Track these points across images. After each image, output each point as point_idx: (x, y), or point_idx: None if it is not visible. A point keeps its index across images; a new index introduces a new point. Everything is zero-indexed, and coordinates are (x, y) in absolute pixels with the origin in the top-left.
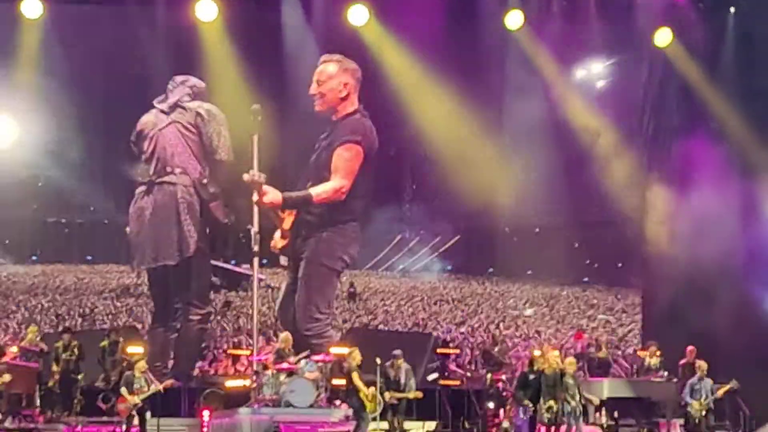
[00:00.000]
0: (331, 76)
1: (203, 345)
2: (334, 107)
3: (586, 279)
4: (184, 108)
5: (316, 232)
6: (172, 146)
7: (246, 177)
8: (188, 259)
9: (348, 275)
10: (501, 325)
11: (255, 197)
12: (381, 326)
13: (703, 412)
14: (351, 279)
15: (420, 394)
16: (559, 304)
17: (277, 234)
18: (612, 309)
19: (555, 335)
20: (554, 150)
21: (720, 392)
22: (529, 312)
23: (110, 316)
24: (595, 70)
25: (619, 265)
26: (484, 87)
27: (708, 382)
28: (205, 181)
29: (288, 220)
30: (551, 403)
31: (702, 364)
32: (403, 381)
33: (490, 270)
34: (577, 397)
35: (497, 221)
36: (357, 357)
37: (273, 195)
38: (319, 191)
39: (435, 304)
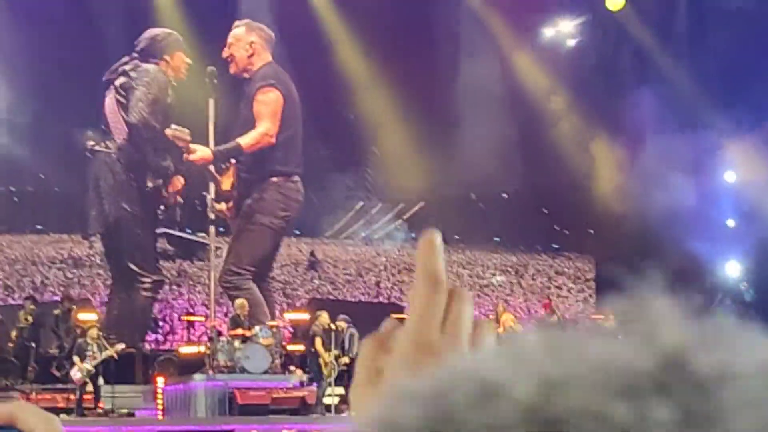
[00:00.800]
0: (238, 38)
1: (155, 316)
2: (244, 67)
3: (555, 246)
4: (125, 71)
5: (255, 191)
6: (109, 112)
7: (168, 132)
8: (115, 226)
9: (310, 243)
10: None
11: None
12: (343, 296)
13: None
14: (311, 247)
15: (348, 360)
16: (527, 272)
17: (211, 195)
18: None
19: (525, 304)
20: (511, 113)
21: None
22: (497, 280)
23: (62, 288)
24: (555, 32)
25: (591, 231)
26: (438, 52)
27: None
28: (122, 146)
29: (226, 181)
30: None
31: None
32: (347, 346)
33: (456, 237)
34: None
35: (462, 187)
36: (324, 321)
37: (202, 151)
38: (247, 140)
39: (399, 273)
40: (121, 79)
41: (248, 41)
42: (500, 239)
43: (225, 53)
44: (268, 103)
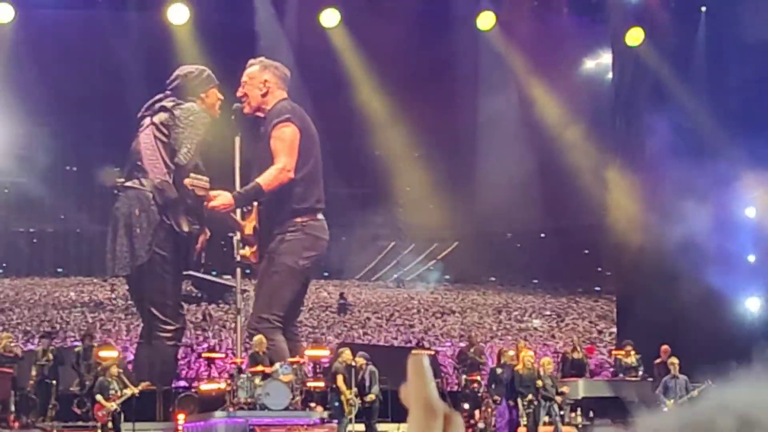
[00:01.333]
0: (252, 77)
1: (179, 359)
2: (258, 106)
3: (597, 288)
4: (165, 107)
5: (278, 232)
6: (144, 149)
7: (186, 182)
8: (142, 269)
9: (339, 285)
10: (504, 339)
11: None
12: (375, 340)
13: None
14: (341, 290)
15: (373, 397)
16: (568, 316)
17: (236, 240)
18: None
19: (564, 349)
20: (532, 148)
21: (695, 392)
22: (536, 323)
23: (82, 333)
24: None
25: (608, 273)
26: (458, 87)
27: (682, 379)
28: (161, 185)
29: (249, 225)
30: (527, 403)
31: (674, 361)
32: (367, 384)
33: (492, 279)
34: (554, 397)
35: (495, 225)
36: (347, 357)
37: (222, 198)
38: (266, 178)
39: (432, 315)
40: (162, 116)
41: (262, 80)
42: (538, 281)
43: (239, 92)
44: (284, 139)
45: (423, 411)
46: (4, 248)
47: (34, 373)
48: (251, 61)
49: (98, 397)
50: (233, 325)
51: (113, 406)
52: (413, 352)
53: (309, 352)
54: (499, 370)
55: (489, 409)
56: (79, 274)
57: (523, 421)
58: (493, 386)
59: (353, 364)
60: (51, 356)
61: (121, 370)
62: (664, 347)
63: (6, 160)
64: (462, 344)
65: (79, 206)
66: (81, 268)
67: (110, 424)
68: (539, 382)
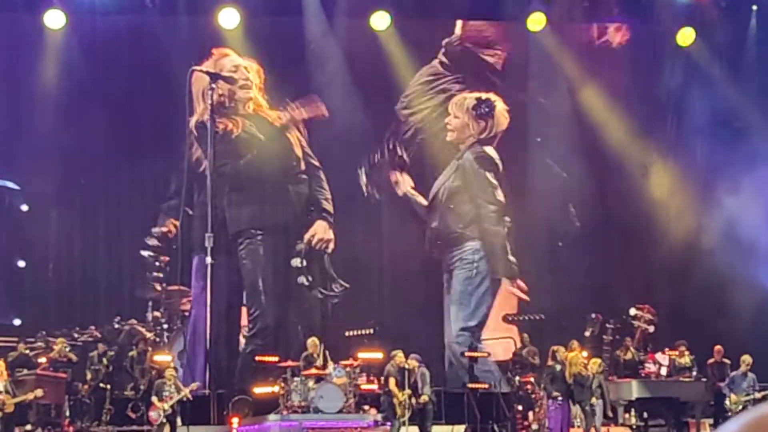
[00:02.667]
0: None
1: None
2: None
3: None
4: None
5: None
6: None
7: None
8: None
9: None
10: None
11: None
12: None
13: (740, 407)
14: None
15: (426, 398)
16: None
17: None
18: None
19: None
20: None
21: (758, 394)
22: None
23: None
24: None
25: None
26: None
27: (751, 377)
28: None
29: None
30: (583, 404)
31: (746, 358)
32: (420, 385)
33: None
34: (600, 398)
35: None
36: (400, 359)
37: None
38: None
39: None
40: None
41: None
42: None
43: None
44: None
45: None
46: None
47: (89, 377)
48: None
49: (153, 398)
50: None
51: (165, 406)
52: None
53: (362, 355)
54: (558, 367)
55: (542, 410)
56: None
57: (577, 422)
58: (551, 383)
59: (405, 366)
60: (107, 361)
61: (176, 374)
62: (717, 347)
63: (60, 172)
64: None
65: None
66: None
67: (167, 429)
68: (595, 382)
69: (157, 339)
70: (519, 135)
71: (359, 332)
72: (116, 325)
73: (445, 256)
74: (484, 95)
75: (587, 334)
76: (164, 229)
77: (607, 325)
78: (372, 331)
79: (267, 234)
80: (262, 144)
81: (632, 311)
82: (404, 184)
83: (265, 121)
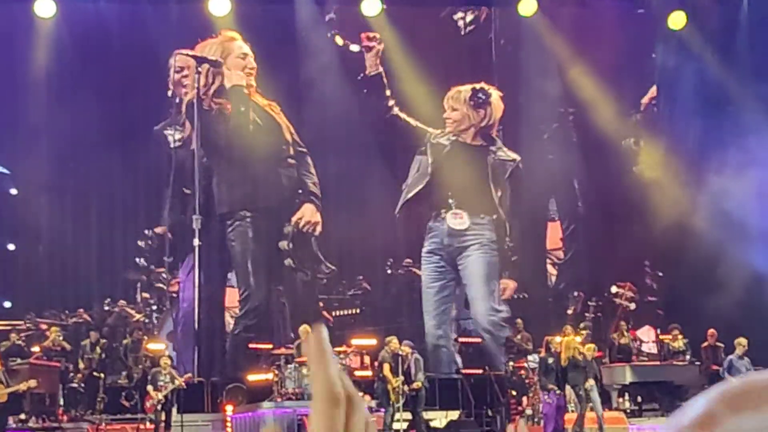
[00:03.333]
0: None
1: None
2: None
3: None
4: None
5: None
6: None
7: None
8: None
9: None
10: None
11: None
12: None
13: None
14: None
15: (419, 385)
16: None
17: None
18: None
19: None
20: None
21: None
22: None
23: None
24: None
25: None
26: (500, 76)
27: (746, 360)
28: None
29: None
30: (577, 389)
31: (742, 341)
32: (413, 371)
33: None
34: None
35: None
36: (394, 346)
37: None
38: None
39: None
40: None
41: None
42: None
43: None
44: None
45: (326, 402)
46: None
47: (82, 366)
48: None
49: (149, 387)
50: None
51: (159, 396)
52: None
53: (355, 341)
54: (550, 360)
55: (536, 396)
56: None
57: (571, 407)
58: (544, 375)
59: (400, 352)
60: (100, 349)
61: (171, 362)
62: (711, 331)
63: (50, 156)
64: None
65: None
66: None
67: (162, 416)
68: (590, 365)
69: (147, 320)
70: (513, 120)
71: (346, 312)
72: (106, 308)
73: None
74: (477, 85)
75: (569, 312)
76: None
77: (589, 303)
78: (358, 311)
79: (256, 216)
80: (256, 128)
81: (613, 289)
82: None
83: (257, 106)
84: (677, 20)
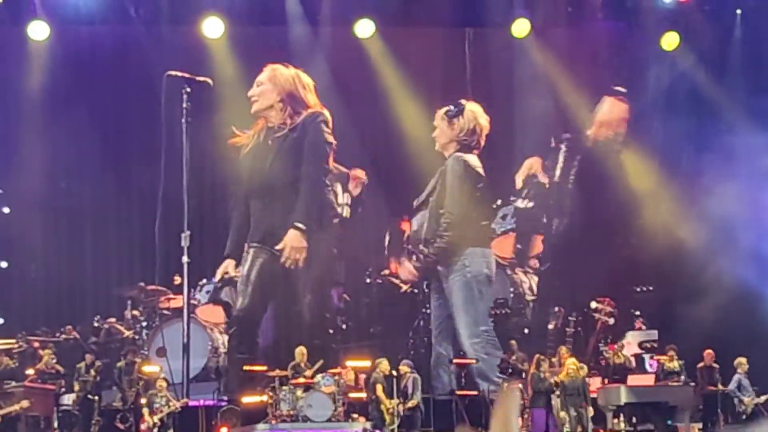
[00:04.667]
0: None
1: None
2: None
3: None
4: None
5: None
6: None
7: None
8: None
9: None
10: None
11: None
12: None
13: (750, 408)
14: None
15: (414, 402)
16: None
17: None
18: None
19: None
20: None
21: (763, 398)
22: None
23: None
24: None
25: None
26: (495, 97)
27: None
28: None
29: None
30: (572, 412)
31: (742, 360)
32: (410, 391)
33: None
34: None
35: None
36: (384, 368)
37: None
38: None
39: None
40: None
41: None
42: None
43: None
44: None
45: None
46: None
47: (77, 388)
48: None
49: (144, 410)
50: None
51: (155, 419)
52: (505, 385)
53: (350, 363)
54: (541, 376)
55: (530, 417)
56: None
57: (567, 428)
58: (534, 393)
59: (393, 373)
60: (94, 372)
61: (167, 385)
62: (708, 351)
63: (43, 176)
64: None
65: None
66: None
67: None
68: (585, 387)
69: (136, 337)
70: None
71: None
72: (95, 324)
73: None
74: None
75: (551, 327)
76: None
77: (570, 318)
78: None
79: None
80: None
81: (593, 304)
82: None
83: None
84: (670, 41)
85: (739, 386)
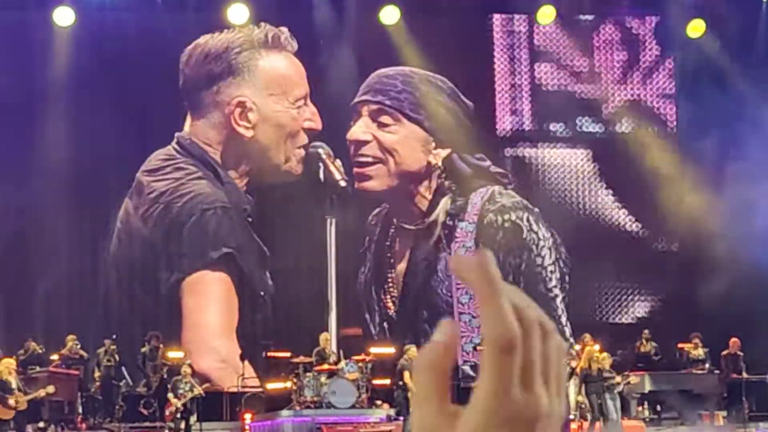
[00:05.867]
0: None
1: None
2: None
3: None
4: None
5: None
6: None
7: None
8: None
9: None
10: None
11: None
12: None
13: None
14: None
15: None
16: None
17: None
18: None
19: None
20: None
21: None
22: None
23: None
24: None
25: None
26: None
27: None
28: None
29: None
30: (594, 398)
31: None
32: None
33: None
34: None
35: None
36: (413, 354)
37: None
38: None
39: None
40: None
41: None
42: None
43: None
44: None
45: (493, 340)
46: None
47: (98, 374)
48: None
49: (169, 395)
50: None
51: (179, 404)
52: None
53: (374, 350)
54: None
55: None
56: None
57: (590, 416)
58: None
59: None
60: (113, 359)
61: (191, 370)
62: (733, 339)
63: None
64: None
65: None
66: None
67: (182, 424)
68: (607, 375)
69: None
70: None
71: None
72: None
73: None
74: None
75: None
76: None
77: None
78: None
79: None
80: None
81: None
82: None
83: None
84: (696, 28)
85: None
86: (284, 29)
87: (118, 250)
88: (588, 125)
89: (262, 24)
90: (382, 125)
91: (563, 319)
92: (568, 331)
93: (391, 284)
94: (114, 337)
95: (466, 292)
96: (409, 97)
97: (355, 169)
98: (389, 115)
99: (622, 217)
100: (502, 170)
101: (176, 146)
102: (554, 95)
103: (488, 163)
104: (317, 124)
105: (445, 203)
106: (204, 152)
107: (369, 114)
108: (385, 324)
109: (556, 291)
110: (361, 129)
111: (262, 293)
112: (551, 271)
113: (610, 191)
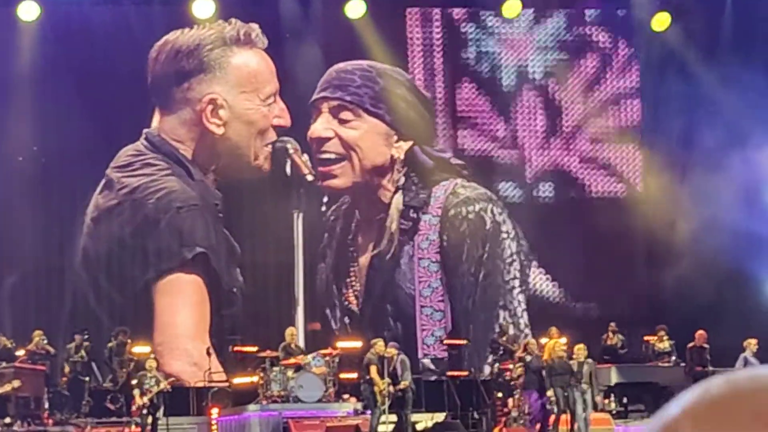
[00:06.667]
0: None
1: None
2: None
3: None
4: None
5: None
6: None
7: None
8: None
9: None
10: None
11: None
12: None
13: None
14: None
15: (406, 384)
16: None
17: None
18: None
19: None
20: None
21: None
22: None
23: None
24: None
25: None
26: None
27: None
28: None
29: None
30: (559, 391)
31: (752, 342)
32: (399, 372)
33: None
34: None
35: None
36: (380, 348)
37: None
38: None
39: None
40: None
41: None
42: None
43: None
44: None
45: None
46: None
47: (67, 369)
48: None
49: (134, 390)
50: None
51: (145, 399)
52: None
53: (341, 344)
54: (528, 358)
55: (521, 398)
56: None
57: (555, 409)
58: (525, 375)
59: (386, 354)
60: (84, 353)
61: (157, 365)
62: (700, 332)
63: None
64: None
65: None
66: None
67: (149, 419)
68: (582, 368)
69: None
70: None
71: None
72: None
73: None
74: None
75: None
76: None
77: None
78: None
79: None
80: None
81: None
82: None
83: None
84: (661, 21)
85: (745, 365)
86: (255, 26)
87: (86, 245)
88: None
89: (233, 20)
90: (342, 121)
91: (519, 311)
92: (523, 322)
93: (353, 278)
94: (84, 332)
95: (428, 285)
96: (369, 91)
97: (320, 168)
98: (350, 110)
99: None
100: (462, 162)
101: (145, 142)
102: None
103: (449, 154)
104: (286, 120)
105: (400, 196)
106: (174, 149)
107: (329, 110)
108: (346, 319)
109: (515, 283)
110: (322, 126)
111: (234, 290)
112: (510, 263)
113: None
